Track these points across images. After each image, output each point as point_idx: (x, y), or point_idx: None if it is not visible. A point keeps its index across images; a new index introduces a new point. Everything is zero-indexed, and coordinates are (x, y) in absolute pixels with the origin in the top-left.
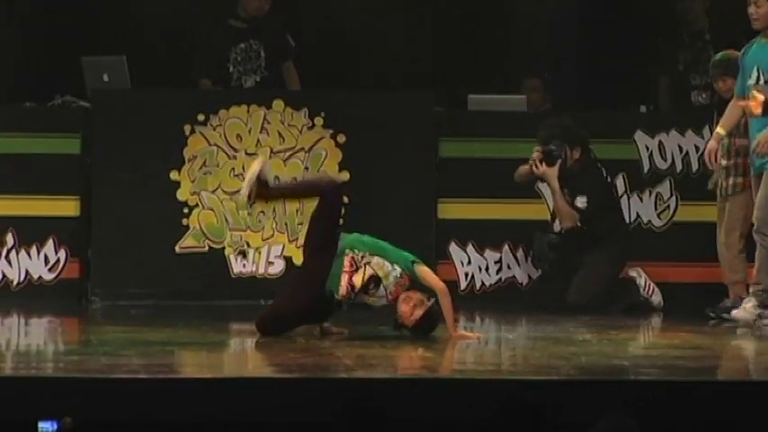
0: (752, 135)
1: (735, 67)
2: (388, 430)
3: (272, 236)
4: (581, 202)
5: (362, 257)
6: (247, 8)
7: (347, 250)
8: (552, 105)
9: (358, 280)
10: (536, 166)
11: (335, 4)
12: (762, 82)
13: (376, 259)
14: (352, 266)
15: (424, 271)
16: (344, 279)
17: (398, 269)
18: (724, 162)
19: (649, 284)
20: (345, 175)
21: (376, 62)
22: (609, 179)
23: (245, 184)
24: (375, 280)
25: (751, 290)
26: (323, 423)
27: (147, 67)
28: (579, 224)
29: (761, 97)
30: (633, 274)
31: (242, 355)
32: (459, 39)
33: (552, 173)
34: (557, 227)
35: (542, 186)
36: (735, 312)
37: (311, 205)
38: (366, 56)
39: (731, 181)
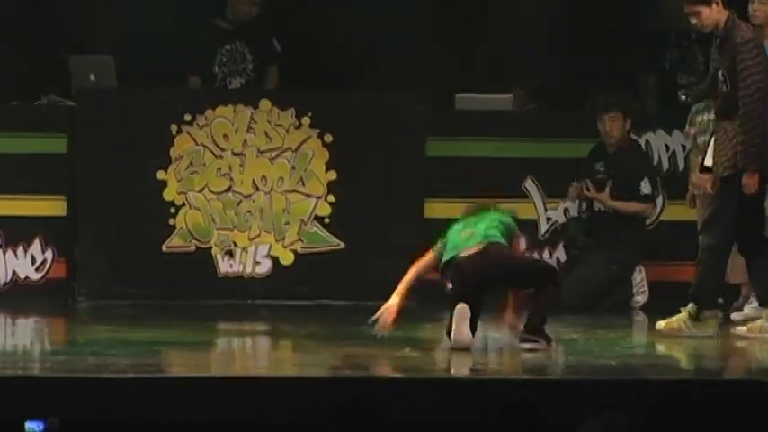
0: None
1: None
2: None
3: (259, 235)
4: (645, 187)
5: None
6: (235, 10)
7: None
8: (538, 105)
9: None
10: (587, 189)
11: (324, 4)
12: None
13: None
14: None
15: None
16: None
17: None
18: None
19: (643, 284)
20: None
21: (365, 62)
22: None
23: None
24: None
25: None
26: (311, 423)
27: (134, 67)
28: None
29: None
30: (635, 269)
31: (229, 354)
32: (447, 38)
33: (604, 197)
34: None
35: (529, 186)
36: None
37: (298, 205)
38: (356, 56)
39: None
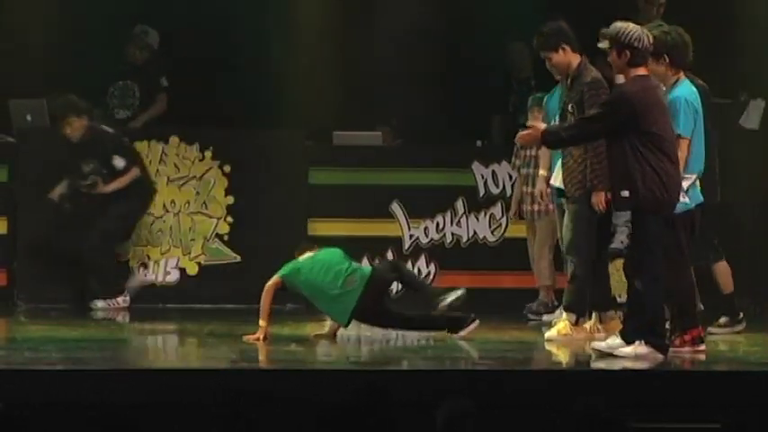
0: (552, 166)
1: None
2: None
3: (169, 250)
4: (118, 162)
5: None
6: (128, 56)
7: None
8: (403, 141)
9: None
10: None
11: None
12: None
13: None
14: None
15: None
16: None
17: None
18: (528, 189)
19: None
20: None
21: (260, 103)
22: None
23: None
24: None
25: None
26: (209, 405)
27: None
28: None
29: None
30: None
31: (144, 349)
32: (327, 83)
33: (100, 189)
34: None
35: (394, 208)
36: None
37: (202, 224)
38: (254, 97)
39: (536, 207)
